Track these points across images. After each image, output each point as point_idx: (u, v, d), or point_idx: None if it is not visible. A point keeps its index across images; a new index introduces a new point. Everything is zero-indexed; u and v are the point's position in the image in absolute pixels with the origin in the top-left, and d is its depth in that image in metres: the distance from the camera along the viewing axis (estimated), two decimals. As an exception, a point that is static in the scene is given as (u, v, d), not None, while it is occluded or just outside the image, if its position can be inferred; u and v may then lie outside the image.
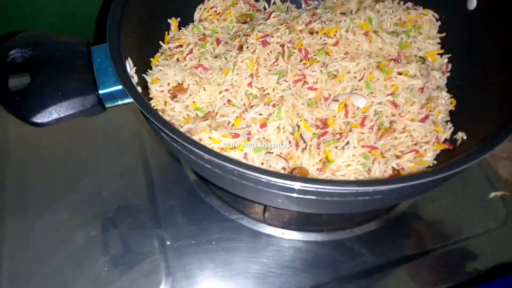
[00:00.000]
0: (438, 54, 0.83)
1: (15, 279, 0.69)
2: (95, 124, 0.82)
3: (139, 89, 0.63)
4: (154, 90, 0.72)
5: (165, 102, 0.71)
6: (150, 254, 0.73)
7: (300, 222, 0.77)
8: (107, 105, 0.61)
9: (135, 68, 0.66)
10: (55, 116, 0.54)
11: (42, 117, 0.54)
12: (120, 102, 0.61)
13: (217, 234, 0.75)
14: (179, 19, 0.85)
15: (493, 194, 0.83)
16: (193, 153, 0.51)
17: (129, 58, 0.66)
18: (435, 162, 0.70)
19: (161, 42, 0.81)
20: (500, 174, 1.18)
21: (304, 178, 0.52)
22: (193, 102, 0.73)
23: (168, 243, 0.74)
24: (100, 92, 0.59)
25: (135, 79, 0.66)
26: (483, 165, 0.88)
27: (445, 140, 0.74)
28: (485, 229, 0.78)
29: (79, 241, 0.74)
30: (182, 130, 0.66)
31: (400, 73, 0.76)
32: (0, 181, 0.79)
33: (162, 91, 0.72)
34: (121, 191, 0.81)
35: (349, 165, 0.68)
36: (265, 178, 0.48)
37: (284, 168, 0.68)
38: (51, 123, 0.55)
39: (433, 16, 0.85)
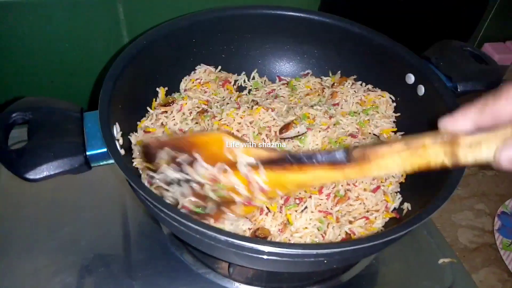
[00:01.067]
0: (392, 131, 0.94)
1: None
2: (79, 177, 0.89)
3: (122, 151, 0.72)
4: (136, 150, 0.81)
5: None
6: (120, 304, 0.78)
7: (262, 278, 0.83)
8: (92, 165, 0.69)
9: (121, 132, 0.75)
10: (45, 173, 0.62)
11: (34, 174, 0.62)
12: (104, 162, 0.69)
13: (183, 287, 0.81)
14: (166, 88, 0.96)
15: (441, 260, 0.91)
16: (168, 216, 0.59)
17: (116, 124, 0.75)
18: (383, 228, 0.79)
19: (148, 108, 0.91)
20: (460, 240, 1.27)
21: (271, 242, 0.59)
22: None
23: (137, 293, 0.79)
24: (88, 153, 0.67)
25: (120, 142, 0.75)
26: (435, 233, 0.96)
27: (394, 209, 0.82)
28: (432, 293, 0.85)
29: (55, 287, 0.79)
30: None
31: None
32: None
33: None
34: (98, 241, 0.87)
35: (306, 228, 0.76)
36: (236, 241, 0.55)
37: (249, 228, 0.76)
38: (41, 179, 0.63)
39: (390, 97, 0.97)
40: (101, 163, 0.69)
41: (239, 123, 0.88)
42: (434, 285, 0.86)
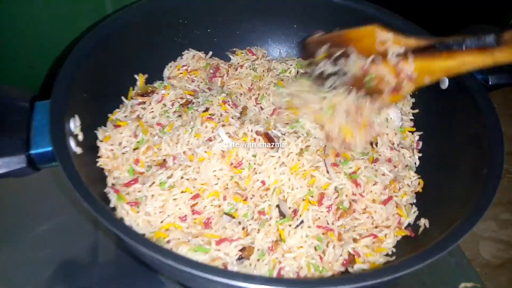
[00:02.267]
0: (410, 131, 0.80)
1: None
2: (46, 175, 0.78)
3: (78, 150, 0.60)
4: (103, 148, 0.68)
5: (113, 164, 0.67)
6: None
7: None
8: (41, 166, 0.57)
9: (80, 126, 0.63)
10: (-26, 176, 0.51)
11: (-42, 177, 0.50)
12: (55, 164, 0.56)
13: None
14: (146, 75, 0.83)
15: (463, 285, 0.77)
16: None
17: (76, 116, 0.63)
18: (394, 249, 0.65)
19: (123, 98, 0.79)
20: (482, 254, 1.12)
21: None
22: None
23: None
24: (32, 152, 0.55)
25: (79, 137, 0.63)
26: (455, 251, 0.82)
27: (408, 224, 0.69)
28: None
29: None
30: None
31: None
32: None
33: (112, 149, 0.69)
34: (62, 252, 0.75)
35: (301, 246, 0.63)
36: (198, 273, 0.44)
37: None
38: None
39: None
40: (52, 165, 0.57)
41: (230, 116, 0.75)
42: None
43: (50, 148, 0.55)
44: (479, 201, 0.54)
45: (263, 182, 0.68)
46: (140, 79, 0.82)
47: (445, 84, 0.75)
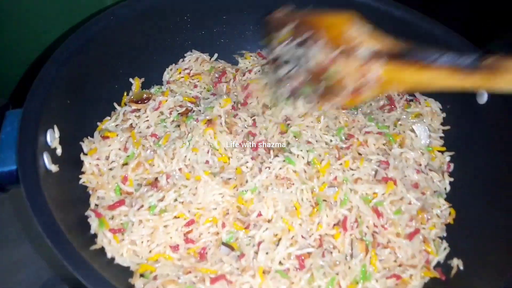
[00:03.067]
0: (439, 151, 0.69)
1: None
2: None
3: (54, 167, 0.51)
4: (87, 163, 0.60)
5: (98, 182, 0.59)
6: None
7: None
8: (8, 188, 0.49)
9: (59, 138, 0.54)
10: None
11: None
12: (24, 184, 0.48)
13: None
14: (143, 79, 0.75)
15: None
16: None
17: (55, 127, 0.54)
18: (421, 295, 0.55)
19: (116, 104, 0.70)
20: None
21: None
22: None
23: None
24: (-4, 170, 0.47)
25: (58, 152, 0.54)
26: None
27: (438, 263, 0.59)
28: None
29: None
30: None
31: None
32: None
33: (97, 165, 0.60)
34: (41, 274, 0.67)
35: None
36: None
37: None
38: None
39: (438, 107, 0.73)
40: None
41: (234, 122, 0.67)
42: None
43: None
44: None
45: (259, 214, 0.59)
46: (136, 83, 0.74)
47: (483, 99, 0.65)
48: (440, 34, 0.71)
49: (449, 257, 0.59)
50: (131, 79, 0.73)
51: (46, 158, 0.51)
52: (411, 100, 0.76)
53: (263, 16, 0.81)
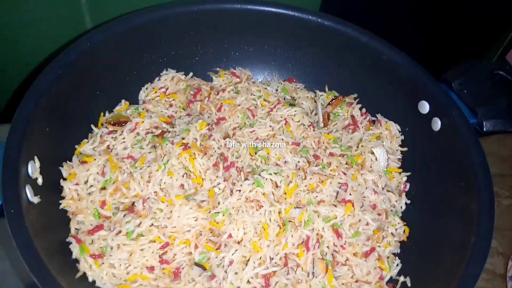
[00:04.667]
0: (397, 172, 0.76)
1: None
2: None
3: (36, 199, 0.55)
4: (67, 188, 0.63)
5: (77, 206, 0.62)
6: None
7: None
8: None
9: (39, 169, 0.58)
10: None
11: None
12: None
13: None
14: (123, 100, 0.78)
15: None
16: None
17: (35, 158, 0.57)
18: (374, 310, 0.62)
19: (93, 126, 0.73)
20: None
21: None
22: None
23: None
24: (-20, 206, 0.50)
25: (39, 181, 0.58)
26: None
27: (390, 278, 0.65)
28: None
29: None
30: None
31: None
32: None
33: (76, 190, 0.64)
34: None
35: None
36: None
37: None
38: None
39: (397, 129, 0.78)
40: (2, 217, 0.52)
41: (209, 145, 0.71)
42: None
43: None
44: (464, 275, 0.50)
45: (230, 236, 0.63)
46: (125, 106, 0.77)
47: (437, 126, 0.71)
48: (402, 63, 0.76)
49: (400, 273, 0.66)
50: (122, 101, 0.77)
51: (28, 191, 0.54)
52: (374, 121, 0.82)
53: (235, 34, 0.86)
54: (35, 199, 0.55)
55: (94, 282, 0.57)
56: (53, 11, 0.86)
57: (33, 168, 0.57)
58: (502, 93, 0.71)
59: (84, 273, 0.57)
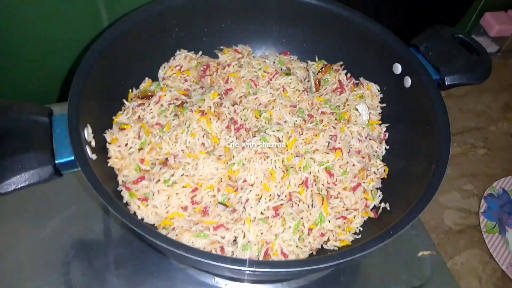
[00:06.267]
0: (377, 124, 0.91)
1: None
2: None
3: (94, 156, 0.70)
4: (112, 150, 0.79)
5: (121, 164, 0.78)
6: (101, 298, 0.79)
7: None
8: (63, 172, 0.67)
9: (92, 135, 0.73)
10: (13, 187, 0.61)
11: (1, 189, 0.61)
12: (76, 169, 0.67)
13: (164, 282, 0.82)
14: (147, 77, 0.92)
15: (421, 253, 0.91)
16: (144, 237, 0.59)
17: (88, 126, 0.73)
18: (361, 228, 0.79)
19: (124, 100, 0.88)
20: (445, 222, 1.28)
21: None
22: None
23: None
24: (57, 162, 0.65)
25: (92, 144, 0.73)
26: (416, 224, 0.96)
27: (374, 207, 0.82)
28: (409, 286, 0.86)
29: (39, 284, 0.80)
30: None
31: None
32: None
33: (119, 151, 0.79)
34: (80, 236, 0.87)
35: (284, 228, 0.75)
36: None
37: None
38: (9, 193, 0.61)
39: (377, 89, 0.94)
40: (73, 170, 0.67)
41: (221, 111, 0.86)
42: (412, 278, 0.87)
43: (72, 158, 0.65)
44: (424, 193, 0.66)
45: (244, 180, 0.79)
46: (148, 83, 0.92)
47: (408, 83, 0.86)
48: (379, 33, 0.90)
49: (382, 201, 0.82)
50: (146, 78, 0.92)
51: (88, 150, 0.69)
52: (357, 84, 0.97)
53: (235, 16, 1.00)
54: (94, 156, 0.70)
55: (142, 219, 0.74)
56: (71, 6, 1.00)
57: (88, 134, 0.72)
58: (461, 53, 0.86)
59: (135, 212, 0.73)
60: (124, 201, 0.74)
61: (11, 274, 0.81)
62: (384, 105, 0.93)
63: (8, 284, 0.80)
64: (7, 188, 0.61)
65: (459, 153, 1.43)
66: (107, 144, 0.79)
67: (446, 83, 0.84)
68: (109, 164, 0.78)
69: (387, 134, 0.91)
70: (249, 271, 0.57)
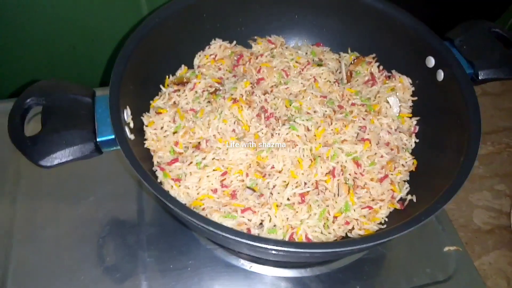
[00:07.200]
0: (408, 117, 0.91)
1: (19, 281, 0.82)
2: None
3: (132, 136, 0.75)
4: (148, 132, 0.83)
5: (157, 145, 0.82)
6: (134, 273, 0.84)
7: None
8: (104, 150, 0.72)
9: (131, 116, 0.77)
10: (57, 161, 0.66)
11: (46, 162, 0.65)
12: (115, 148, 0.71)
13: (192, 261, 0.86)
14: (183, 65, 0.96)
15: (447, 248, 0.91)
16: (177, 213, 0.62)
17: (127, 108, 0.77)
18: (386, 219, 0.79)
19: (161, 86, 0.92)
20: (474, 221, 1.26)
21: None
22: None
23: (149, 265, 0.85)
24: (98, 140, 0.70)
25: (131, 125, 0.77)
26: (442, 219, 0.96)
27: (400, 199, 0.82)
28: (433, 280, 0.86)
29: (75, 256, 0.85)
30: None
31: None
32: (12, 199, 0.91)
33: (155, 133, 0.83)
34: (115, 214, 0.92)
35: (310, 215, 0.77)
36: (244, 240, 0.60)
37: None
38: (54, 167, 0.66)
39: (409, 81, 0.94)
40: (112, 149, 0.72)
41: (252, 99, 0.88)
42: (436, 273, 0.87)
43: (112, 136, 0.70)
44: (450, 187, 0.67)
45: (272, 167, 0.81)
46: (184, 70, 0.95)
47: (440, 77, 0.86)
48: (412, 26, 0.90)
49: (409, 193, 0.82)
50: (182, 65, 0.96)
51: (127, 130, 0.73)
52: (389, 77, 0.97)
53: (269, 6, 1.01)
54: (132, 136, 0.74)
55: (175, 198, 0.77)
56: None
57: (127, 115, 0.76)
58: (496, 47, 0.85)
59: (168, 191, 0.77)
60: (159, 180, 0.78)
61: (50, 245, 0.87)
62: (415, 98, 0.93)
63: (47, 254, 0.85)
64: (52, 161, 0.66)
65: (492, 152, 1.40)
66: (144, 127, 0.84)
67: (479, 78, 0.83)
68: (145, 146, 0.82)
69: (417, 127, 0.91)
70: (276, 250, 0.59)
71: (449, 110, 0.83)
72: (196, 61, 1.00)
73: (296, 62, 0.98)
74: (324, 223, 0.76)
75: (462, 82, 0.80)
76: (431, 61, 0.87)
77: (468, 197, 1.29)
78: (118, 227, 0.90)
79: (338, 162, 0.82)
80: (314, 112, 0.90)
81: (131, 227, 0.90)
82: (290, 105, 0.90)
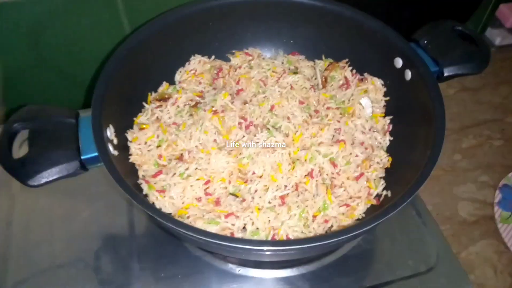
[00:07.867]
0: (381, 116, 0.95)
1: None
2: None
3: (115, 152, 0.79)
4: (132, 147, 0.87)
5: (141, 160, 0.86)
6: (127, 284, 0.87)
7: (253, 260, 0.90)
8: (88, 167, 0.75)
9: (114, 133, 0.81)
10: (44, 180, 0.70)
11: (34, 181, 0.69)
12: (100, 164, 0.75)
13: (182, 269, 0.89)
14: (164, 81, 1.00)
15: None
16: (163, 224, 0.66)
17: (110, 126, 0.81)
18: (364, 215, 0.83)
19: (144, 103, 0.96)
20: (460, 214, 1.29)
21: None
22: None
23: (142, 275, 0.88)
24: (83, 157, 0.73)
25: (115, 142, 0.81)
26: (423, 214, 0.99)
27: (377, 195, 0.86)
28: (415, 272, 0.89)
29: (70, 272, 0.89)
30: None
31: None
32: (7, 223, 0.95)
33: (140, 148, 0.87)
34: (106, 228, 0.96)
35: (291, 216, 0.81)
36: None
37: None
38: (41, 186, 0.70)
39: (381, 83, 0.98)
40: (98, 165, 0.76)
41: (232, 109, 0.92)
42: (419, 264, 0.90)
43: (96, 154, 0.74)
44: (417, 179, 0.70)
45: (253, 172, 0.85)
46: (166, 86, 1.00)
47: (408, 76, 0.90)
48: (380, 29, 0.94)
49: (385, 189, 0.86)
50: (164, 82, 1.00)
51: (110, 147, 0.77)
52: (362, 79, 1.01)
53: (245, 21, 1.06)
54: (116, 152, 0.78)
55: (160, 209, 0.81)
56: (97, 20, 1.09)
57: (111, 132, 0.80)
58: (458, 45, 0.89)
59: (153, 203, 0.81)
60: (144, 193, 0.82)
61: (46, 262, 0.90)
62: (388, 98, 0.97)
63: (43, 270, 0.89)
64: (39, 180, 0.69)
65: (475, 145, 1.44)
66: (128, 143, 0.87)
67: (445, 75, 0.87)
68: (130, 160, 0.86)
69: (391, 126, 0.95)
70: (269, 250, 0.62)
71: (417, 107, 0.87)
72: (177, 77, 1.04)
73: (273, 71, 1.03)
74: (304, 223, 0.80)
75: (427, 79, 0.84)
76: (399, 62, 0.91)
77: (453, 190, 1.32)
78: (110, 240, 0.94)
79: (316, 164, 0.86)
80: (292, 117, 0.93)
81: (122, 240, 0.94)
82: (269, 112, 0.94)
